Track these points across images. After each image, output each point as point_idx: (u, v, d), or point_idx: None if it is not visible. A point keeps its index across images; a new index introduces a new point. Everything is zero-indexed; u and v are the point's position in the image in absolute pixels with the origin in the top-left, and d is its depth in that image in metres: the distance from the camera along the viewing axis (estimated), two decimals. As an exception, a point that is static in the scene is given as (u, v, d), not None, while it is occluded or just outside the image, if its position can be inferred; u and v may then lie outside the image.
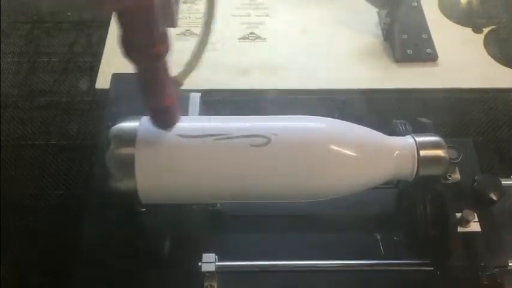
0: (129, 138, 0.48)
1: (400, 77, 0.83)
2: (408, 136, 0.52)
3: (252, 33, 0.88)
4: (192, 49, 0.44)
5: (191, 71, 0.45)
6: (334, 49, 0.86)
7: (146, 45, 0.38)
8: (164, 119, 0.47)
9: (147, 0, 0.35)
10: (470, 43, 0.88)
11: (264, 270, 0.53)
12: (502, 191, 0.54)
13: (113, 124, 0.50)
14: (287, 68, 0.83)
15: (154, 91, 0.43)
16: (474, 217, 0.52)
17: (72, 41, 0.87)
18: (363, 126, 0.51)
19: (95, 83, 0.81)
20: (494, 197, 0.54)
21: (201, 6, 0.93)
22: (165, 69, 0.42)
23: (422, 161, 0.50)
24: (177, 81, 0.45)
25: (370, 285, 0.55)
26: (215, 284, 0.51)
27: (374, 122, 0.53)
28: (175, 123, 0.47)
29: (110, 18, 0.89)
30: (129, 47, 0.38)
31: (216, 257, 0.51)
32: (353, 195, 0.51)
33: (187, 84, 0.78)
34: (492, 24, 0.90)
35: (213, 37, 0.94)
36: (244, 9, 0.93)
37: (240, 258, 0.53)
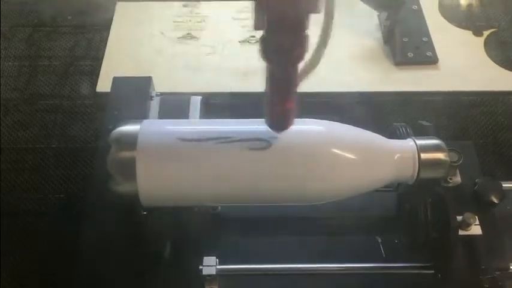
0: (130, 142, 0.48)
1: (401, 80, 0.83)
2: (409, 139, 0.52)
3: (252, 36, 0.89)
4: (313, 48, 0.45)
5: (310, 73, 0.45)
6: (334, 52, 0.86)
7: (290, 48, 0.39)
8: (283, 121, 0.47)
9: (304, 7, 0.36)
10: (471, 46, 0.88)
11: (264, 273, 0.53)
12: (503, 193, 0.54)
13: (114, 127, 0.51)
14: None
15: (284, 93, 0.44)
16: (475, 220, 0.52)
17: (73, 45, 0.87)
18: (363, 129, 0.51)
19: (95, 86, 0.81)
20: (495, 200, 0.54)
21: (201, 10, 0.93)
22: (297, 73, 0.42)
23: (423, 164, 0.50)
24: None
25: (371, 289, 0.55)
26: (216, 288, 0.51)
27: (374, 125, 0.53)
28: (290, 127, 0.47)
29: (111, 22, 0.89)
30: (271, 48, 0.39)
31: (217, 260, 0.51)
32: (353, 198, 0.51)
33: (187, 88, 0.78)
34: (492, 27, 0.90)
35: (213, 40, 0.95)
36: (245, 12, 0.93)
37: (240, 262, 0.53)
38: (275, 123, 0.47)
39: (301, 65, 0.42)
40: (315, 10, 0.38)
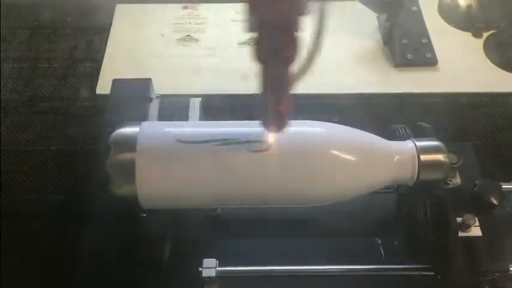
0: (130, 144, 0.48)
1: (400, 82, 0.83)
2: (408, 141, 0.52)
3: (251, 38, 0.88)
4: (304, 53, 0.45)
5: (303, 76, 0.45)
6: (333, 54, 0.86)
7: (282, 49, 0.39)
8: (277, 122, 0.47)
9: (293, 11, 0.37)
10: (470, 48, 0.88)
11: (264, 275, 0.53)
12: (503, 195, 0.54)
13: (114, 130, 0.51)
14: (287, 72, 0.83)
15: (277, 94, 0.44)
16: (475, 221, 0.52)
17: (72, 47, 0.87)
18: (363, 131, 0.52)
19: (95, 88, 0.81)
20: (494, 201, 0.54)
21: (201, 12, 0.93)
22: (289, 74, 0.42)
23: (423, 166, 0.50)
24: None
25: (370, 290, 0.55)
26: (216, 290, 0.51)
27: (374, 127, 0.53)
28: (285, 127, 0.47)
29: (110, 24, 0.89)
30: (264, 50, 0.40)
31: (217, 262, 0.51)
32: (353, 199, 0.51)
33: (187, 90, 0.78)
34: (492, 29, 0.90)
35: (213, 42, 0.95)
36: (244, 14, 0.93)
37: (240, 264, 0.53)
38: (270, 124, 0.47)
39: (295, 67, 0.42)
40: (305, 11, 0.38)
